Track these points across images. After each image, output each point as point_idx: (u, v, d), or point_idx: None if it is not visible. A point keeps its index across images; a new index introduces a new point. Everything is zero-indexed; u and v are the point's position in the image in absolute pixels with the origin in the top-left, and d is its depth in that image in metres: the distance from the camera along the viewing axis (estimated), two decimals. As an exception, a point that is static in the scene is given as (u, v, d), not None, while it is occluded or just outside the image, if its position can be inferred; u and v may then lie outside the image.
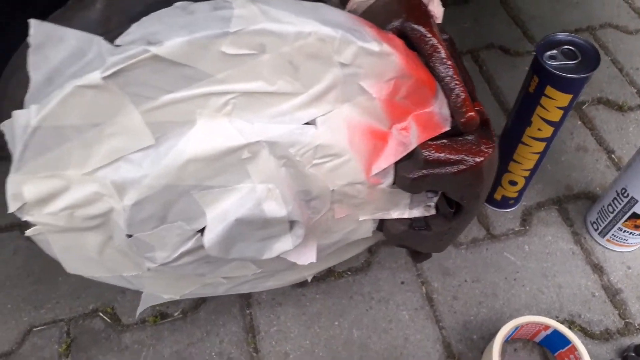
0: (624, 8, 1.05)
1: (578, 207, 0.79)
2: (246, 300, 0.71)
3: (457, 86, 0.36)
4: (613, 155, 0.85)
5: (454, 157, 0.38)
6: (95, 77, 0.32)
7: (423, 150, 0.38)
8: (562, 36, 0.58)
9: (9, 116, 0.35)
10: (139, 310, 0.56)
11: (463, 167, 0.38)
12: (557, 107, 0.59)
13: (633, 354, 0.62)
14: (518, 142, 0.65)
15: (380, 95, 0.37)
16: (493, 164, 0.40)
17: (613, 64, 0.98)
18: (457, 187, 0.39)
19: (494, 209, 0.78)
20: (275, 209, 0.38)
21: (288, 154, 0.37)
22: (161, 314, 0.70)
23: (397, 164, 0.40)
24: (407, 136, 0.38)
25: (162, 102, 0.34)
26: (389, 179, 0.41)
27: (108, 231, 0.40)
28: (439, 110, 0.38)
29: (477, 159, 0.38)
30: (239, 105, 0.35)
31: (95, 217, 0.38)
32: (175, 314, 0.70)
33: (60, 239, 0.40)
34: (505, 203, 0.77)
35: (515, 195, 0.75)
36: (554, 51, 0.57)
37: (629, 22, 1.03)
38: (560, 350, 0.64)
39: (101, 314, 0.71)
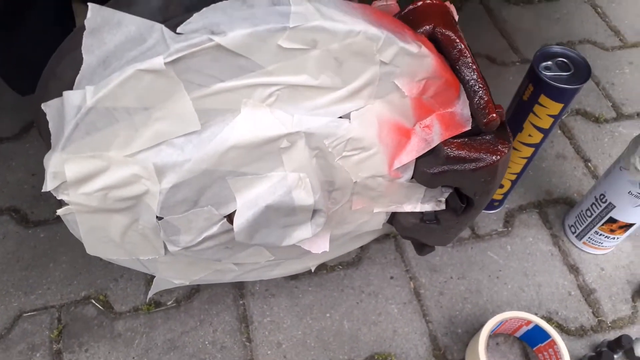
0: (601, 26, 1.11)
1: (557, 211, 0.83)
2: (240, 291, 0.73)
3: (480, 89, 0.38)
4: (589, 164, 0.90)
5: (474, 154, 0.40)
6: (158, 62, 0.33)
7: (445, 147, 0.40)
8: (556, 48, 0.62)
9: (55, 96, 0.35)
10: (150, 294, 0.57)
11: (481, 164, 0.40)
12: (549, 115, 0.62)
13: (606, 349, 0.66)
14: (508, 147, 0.69)
15: (412, 93, 0.39)
16: (507, 162, 0.43)
17: (590, 79, 1.03)
18: (472, 183, 0.42)
19: (479, 210, 0.82)
20: (304, 197, 0.39)
21: (322, 145, 0.39)
22: (155, 302, 0.71)
23: (417, 159, 0.42)
24: (430, 134, 0.41)
25: (213, 91, 0.35)
26: (408, 174, 0.43)
27: (135, 214, 0.41)
28: (460, 111, 0.40)
29: (495, 158, 0.40)
30: (281, 97, 0.37)
31: (127, 199, 0.39)
32: (169, 303, 0.71)
33: (88, 220, 0.41)
34: (490, 205, 0.81)
35: (500, 197, 0.79)
36: (549, 62, 0.60)
37: (606, 39, 1.09)
38: (540, 344, 0.67)
39: (93, 301, 0.70)
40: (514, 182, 0.75)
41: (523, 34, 1.08)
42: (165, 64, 0.33)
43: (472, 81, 0.38)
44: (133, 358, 0.66)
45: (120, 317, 0.69)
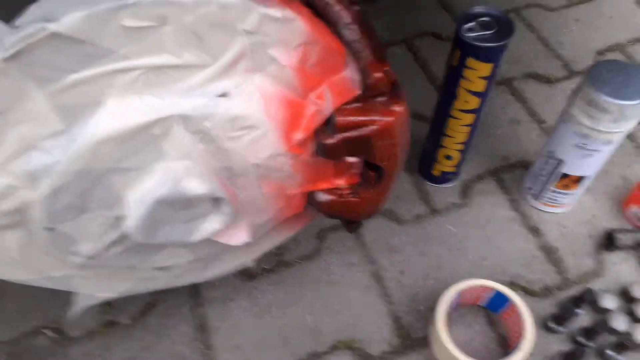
0: (544, -14, 1.11)
1: (515, 176, 0.82)
2: (196, 299, 0.70)
3: (363, 49, 0.37)
4: (544, 125, 0.89)
5: (366, 118, 0.38)
6: None
7: (336, 115, 0.38)
8: (478, 9, 0.60)
9: None
10: (73, 311, 0.54)
11: (375, 127, 0.39)
12: (480, 77, 0.61)
13: (568, 304, 0.65)
14: (447, 116, 0.68)
15: (291, 62, 0.37)
16: (405, 122, 0.41)
17: (539, 41, 1.02)
18: (373, 149, 0.40)
19: (434, 185, 0.80)
20: (195, 186, 0.37)
21: (203, 127, 0.37)
22: (109, 322, 0.69)
23: (316, 132, 0.41)
24: (323, 103, 0.39)
25: (67, 83, 0.33)
26: (310, 149, 0.41)
27: (27, 229, 0.39)
28: (350, 75, 0.38)
29: (389, 119, 0.39)
30: (148, 82, 0.35)
31: (11, 212, 0.37)
32: (124, 321, 0.69)
33: (-23, 240, 0.39)
34: (444, 178, 0.79)
35: (452, 169, 0.77)
36: (472, 24, 0.59)
37: (551, 0, 1.08)
38: (503, 309, 0.66)
39: (45, 331, 0.68)
40: (463, 152, 0.74)
41: (466, 6, 1.07)
42: (4, 60, 0.31)
43: (354, 42, 0.37)
44: (90, 382, 0.64)
45: (74, 343, 0.67)
